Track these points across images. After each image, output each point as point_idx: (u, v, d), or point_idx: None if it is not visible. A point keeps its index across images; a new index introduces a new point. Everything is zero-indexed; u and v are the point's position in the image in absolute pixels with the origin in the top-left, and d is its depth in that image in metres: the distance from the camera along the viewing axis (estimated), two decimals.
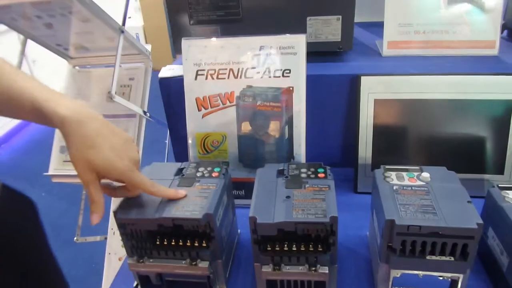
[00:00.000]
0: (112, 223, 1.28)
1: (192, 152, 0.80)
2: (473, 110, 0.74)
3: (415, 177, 0.60)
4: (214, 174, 0.63)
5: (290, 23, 0.84)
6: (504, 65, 0.81)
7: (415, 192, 0.56)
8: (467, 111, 0.75)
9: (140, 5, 3.53)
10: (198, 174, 0.63)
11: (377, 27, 1.07)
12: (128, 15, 1.52)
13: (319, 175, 0.61)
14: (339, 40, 0.84)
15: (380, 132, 0.78)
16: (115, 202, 0.58)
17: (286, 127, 0.75)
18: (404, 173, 0.61)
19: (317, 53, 0.84)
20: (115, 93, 0.92)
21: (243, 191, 0.80)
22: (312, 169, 0.62)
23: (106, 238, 1.28)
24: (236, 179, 0.79)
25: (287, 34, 0.72)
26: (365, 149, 0.79)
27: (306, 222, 0.52)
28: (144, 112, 1.09)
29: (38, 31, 1.02)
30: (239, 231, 0.73)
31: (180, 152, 0.95)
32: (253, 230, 0.54)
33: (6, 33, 2.73)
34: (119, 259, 1.28)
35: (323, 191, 0.57)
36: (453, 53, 0.85)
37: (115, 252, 1.27)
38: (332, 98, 0.82)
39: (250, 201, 0.80)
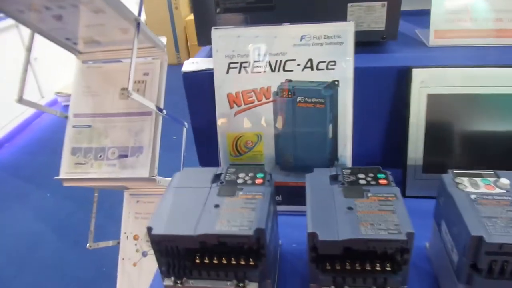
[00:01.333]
0: (125, 227, 1.20)
1: (222, 154, 0.72)
2: None
3: (491, 184, 0.52)
4: (257, 181, 0.55)
5: (328, 11, 0.76)
6: None
7: (498, 202, 0.48)
8: None
9: None
10: (239, 181, 0.55)
11: (413, 16, 1.00)
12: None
13: (380, 181, 0.53)
14: (383, 28, 0.76)
15: (433, 131, 0.70)
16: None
17: (330, 126, 0.67)
18: (477, 179, 0.53)
19: (357, 43, 0.75)
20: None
21: (280, 196, 0.72)
22: (371, 175, 0.55)
23: (119, 243, 1.21)
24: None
25: (332, 23, 0.64)
26: (415, 149, 0.71)
27: (379, 239, 0.44)
28: (160, 110, 1.01)
29: (47, 24, 0.94)
30: (280, 242, 0.66)
31: (204, 153, 0.87)
32: (313, 248, 0.46)
33: (7, 30, 2.64)
34: (134, 265, 1.21)
35: (390, 201, 0.49)
36: (505, 42, 0.77)
37: (129, 257, 1.20)
38: (378, 92, 0.74)
39: (288, 207, 0.73)
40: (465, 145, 0.70)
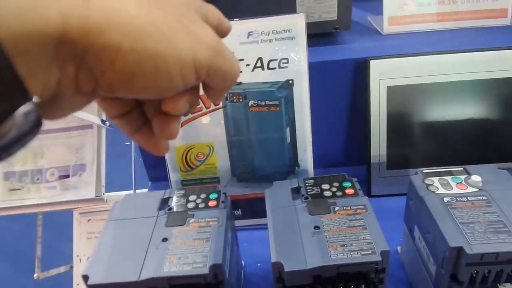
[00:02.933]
0: (77, 249, 1.10)
1: (172, 170, 0.64)
2: (503, 90, 0.64)
3: (463, 182, 0.48)
4: (211, 203, 0.48)
5: (276, 2, 0.69)
6: None
7: (473, 204, 0.44)
8: (496, 91, 0.64)
9: None
10: (190, 205, 0.48)
11: (363, 2, 0.96)
12: None
13: (346, 191, 0.48)
14: (336, 18, 0.70)
15: (396, 125, 0.66)
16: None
17: (288, 130, 0.61)
18: (448, 178, 0.49)
19: (308, 35, 0.70)
20: None
21: (240, 210, 0.66)
22: (336, 184, 0.49)
23: (72, 267, 1.11)
24: (230, 197, 0.65)
25: (281, 16, 0.58)
26: (378, 146, 0.67)
27: (352, 263, 0.39)
28: (103, 121, 0.92)
29: None
30: (242, 262, 0.59)
31: (153, 167, 0.79)
32: (278, 279, 0.41)
33: None
34: None
35: (359, 214, 0.44)
36: (461, 25, 0.74)
37: None
38: (336, 87, 0.69)
39: (248, 221, 0.67)
40: (429, 137, 0.67)
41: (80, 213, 1.18)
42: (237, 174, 0.64)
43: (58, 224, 1.35)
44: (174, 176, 0.64)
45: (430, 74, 0.63)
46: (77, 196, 0.89)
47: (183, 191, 0.51)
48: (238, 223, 0.66)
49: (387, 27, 0.75)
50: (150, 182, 0.83)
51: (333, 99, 0.70)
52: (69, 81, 0.19)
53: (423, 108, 0.65)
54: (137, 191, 1.01)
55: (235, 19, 0.59)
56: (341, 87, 0.69)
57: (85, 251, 1.15)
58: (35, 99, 0.17)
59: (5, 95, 0.16)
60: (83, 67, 0.19)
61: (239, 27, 0.59)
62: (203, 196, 0.50)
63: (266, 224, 0.47)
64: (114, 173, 0.91)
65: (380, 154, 0.67)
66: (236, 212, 0.65)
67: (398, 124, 0.66)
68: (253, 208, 0.64)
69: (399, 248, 0.59)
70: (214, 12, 0.26)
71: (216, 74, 0.23)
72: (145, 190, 0.90)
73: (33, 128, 0.17)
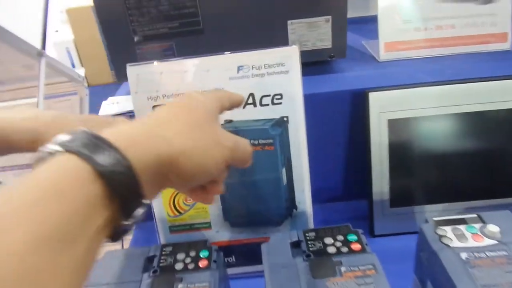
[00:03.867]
0: None
1: (158, 216, 0.59)
2: (509, 121, 0.60)
3: (478, 232, 0.44)
4: (201, 264, 0.43)
5: (266, 31, 0.65)
6: None
7: (493, 261, 0.40)
8: (502, 123, 0.60)
9: (68, 16, 3.17)
10: (178, 266, 0.43)
11: (355, 24, 0.92)
12: (55, 29, 1.25)
13: (352, 246, 0.43)
14: (330, 46, 0.67)
15: (398, 160, 0.62)
16: None
17: (284, 170, 0.57)
18: (462, 228, 0.45)
19: (301, 64, 0.66)
20: None
21: (233, 257, 0.60)
22: (340, 237, 0.45)
23: None
24: (222, 243, 0.60)
25: (273, 48, 0.54)
26: (380, 182, 0.63)
27: None
28: None
29: None
30: None
31: None
32: None
33: None
34: None
35: (368, 277, 0.39)
36: (461, 51, 0.71)
37: None
38: (333, 120, 0.65)
39: (243, 269, 0.62)
40: (434, 171, 0.63)
41: None
42: (230, 219, 0.59)
43: None
44: (161, 224, 0.59)
45: (433, 106, 0.60)
46: None
47: (170, 248, 0.46)
48: (232, 270, 0.60)
49: (383, 54, 0.71)
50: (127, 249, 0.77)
51: (331, 132, 0.66)
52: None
53: (426, 142, 0.61)
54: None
55: (223, 53, 0.54)
56: (339, 119, 0.65)
57: None
58: (148, 201, 0.25)
59: (136, 200, 0.24)
60: (168, 180, 0.28)
61: (228, 61, 0.54)
62: (192, 254, 0.45)
63: (262, 271, 0.42)
64: None
65: (382, 191, 0.63)
66: (230, 259, 0.60)
67: (400, 158, 0.62)
68: (248, 254, 0.59)
69: None
70: (224, 99, 0.36)
71: (235, 161, 0.33)
72: None
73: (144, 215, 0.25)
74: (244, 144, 0.34)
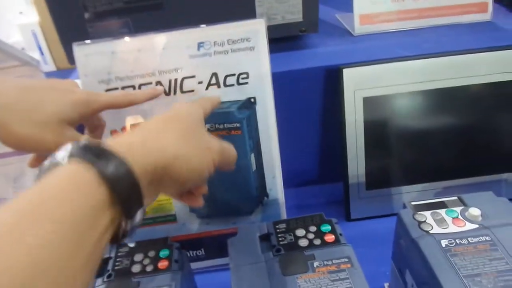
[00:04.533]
0: None
1: None
2: (487, 96, 0.57)
3: (459, 217, 0.41)
4: (161, 265, 0.39)
5: (231, 4, 0.60)
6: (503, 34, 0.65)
7: (475, 247, 0.37)
8: (480, 98, 0.57)
9: None
10: (135, 269, 0.39)
11: None
12: (18, 10, 1.16)
13: (325, 237, 0.40)
14: (301, 19, 0.62)
15: (375, 140, 0.58)
16: None
17: (252, 155, 0.52)
18: (442, 212, 0.42)
19: (270, 39, 0.60)
20: None
21: (202, 250, 0.57)
22: (313, 228, 0.41)
23: None
24: (190, 236, 0.56)
25: (237, 22, 0.49)
26: (356, 164, 0.60)
27: None
28: None
29: None
30: None
31: None
32: None
33: None
34: None
35: (343, 271, 0.36)
36: (439, 22, 0.67)
37: None
38: (303, 99, 0.60)
39: (213, 262, 0.58)
40: (411, 151, 0.60)
41: None
42: (196, 210, 0.54)
43: None
44: None
45: (410, 82, 0.56)
46: None
47: (127, 248, 0.41)
48: (201, 264, 0.57)
49: (359, 27, 0.67)
50: None
51: (302, 112, 0.61)
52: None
53: (403, 120, 0.58)
54: None
55: (182, 28, 0.49)
56: (311, 98, 0.61)
57: None
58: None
59: (137, 203, 0.26)
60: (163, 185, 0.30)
61: (187, 37, 0.49)
62: (151, 254, 0.40)
63: None
64: None
65: (358, 174, 0.60)
66: (199, 253, 0.56)
67: (377, 138, 0.59)
68: (218, 246, 0.55)
69: (386, 285, 0.52)
70: (206, 105, 0.39)
71: (222, 163, 0.35)
72: None
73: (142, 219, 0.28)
74: (229, 148, 0.36)
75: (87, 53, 0.49)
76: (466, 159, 0.61)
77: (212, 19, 0.50)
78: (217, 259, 0.57)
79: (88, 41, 0.49)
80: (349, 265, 0.37)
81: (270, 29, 0.50)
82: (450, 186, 0.62)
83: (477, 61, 0.56)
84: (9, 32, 1.12)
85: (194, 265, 0.56)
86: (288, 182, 0.57)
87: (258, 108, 0.51)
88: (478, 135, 0.60)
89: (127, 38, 0.49)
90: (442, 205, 0.43)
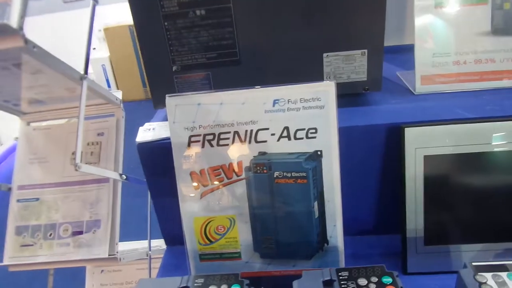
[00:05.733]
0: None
1: (189, 243, 0.60)
2: None
3: None
4: None
5: (302, 63, 0.66)
6: None
7: None
8: None
9: (105, 34, 3.32)
10: None
11: (389, 53, 0.92)
12: (92, 46, 1.30)
13: None
14: (365, 79, 0.66)
15: (434, 197, 0.60)
16: None
17: (316, 203, 0.56)
18: (503, 275, 0.43)
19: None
20: (81, 156, 0.71)
21: None
22: (374, 279, 0.44)
23: None
24: (251, 274, 0.60)
25: (310, 83, 0.54)
26: (414, 219, 0.61)
27: None
28: (120, 175, 0.88)
29: None
30: None
31: (171, 235, 0.75)
32: None
33: None
34: None
35: None
36: (501, 85, 0.70)
37: None
38: (367, 154, 0.64)
39: None
40: (471, 210, 0.61)
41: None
42: (260, 250, 0.59)
43: (70, 272, 1.30)
44: (192, 252, 0.60)
45: (470, 144, 0.58)
46: (90, 254, 0.85)
47: (202, 280, 0.46)
48: None
49: (420, 87, 0.70)
50: (166, 246, 0.78)
51: (365, 165, 0.65)
52: None
53: (463, 179, 0.60)
54: (152, 241, 0.97)
55: (259, 87, 0.55)
56: (373, 152, 0.64)
57: None
58: None
59: None
60: None
61: (264, 94, 0.55)
62: (224, 287, 0.45)
63: None
64: (127, 223, 0.87)
65: (416, 228, 0.61)
66: None
67: (436, 195, 0.60)
68: (276, 286, 0.59)
69: None
70: None
71: None
72: (161, 241, 0.85)
73: None
74: None
75: (177, 103, 0.57)
76: None
77: (283, 75, 0.56)
78: None
79: (178, 94, 0.57)
80: None
81: (337, 87, 0.55)
82: (511, 248, 0.61)
83: None
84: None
85: None
86: (347, 230, 0.59)
87: (323, 160, 0.55)
88: None
89: (212, 93, 0.56)
90: (503, 268, 0.44)
